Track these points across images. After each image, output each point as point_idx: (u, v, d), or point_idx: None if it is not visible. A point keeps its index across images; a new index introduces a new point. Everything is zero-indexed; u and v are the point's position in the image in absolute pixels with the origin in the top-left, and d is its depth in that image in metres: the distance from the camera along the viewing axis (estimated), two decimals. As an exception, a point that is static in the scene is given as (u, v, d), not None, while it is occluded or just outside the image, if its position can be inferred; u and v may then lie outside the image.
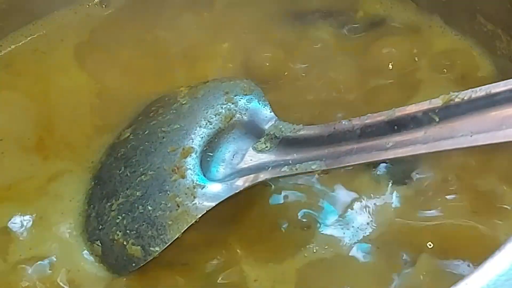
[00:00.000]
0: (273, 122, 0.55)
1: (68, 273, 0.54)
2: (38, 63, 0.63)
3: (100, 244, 0.54)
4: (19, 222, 0.56)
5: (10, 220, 0.56)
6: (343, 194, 0.55)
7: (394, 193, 0.55)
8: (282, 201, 0.56)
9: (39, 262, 0.54)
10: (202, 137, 0.55)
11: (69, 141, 0.59)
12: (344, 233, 0.54)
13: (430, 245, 0.52)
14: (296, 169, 0.52)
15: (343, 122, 0.51)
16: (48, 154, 0.59)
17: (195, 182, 0.53)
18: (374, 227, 0.54)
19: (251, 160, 0.54)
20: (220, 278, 0.53)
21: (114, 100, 0.61)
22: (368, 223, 0.54)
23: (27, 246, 0.55)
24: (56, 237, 0.55)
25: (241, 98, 0.57)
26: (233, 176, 0.53)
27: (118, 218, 0.53)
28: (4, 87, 0.62)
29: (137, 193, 0.54)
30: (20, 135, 0.59)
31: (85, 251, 0.54)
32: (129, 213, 0.53)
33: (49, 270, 0.54)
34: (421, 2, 0.65)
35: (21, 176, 0.58)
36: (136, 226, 0.53)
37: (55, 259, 0.54)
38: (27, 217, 0.56)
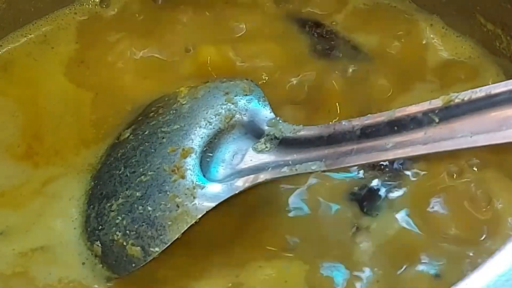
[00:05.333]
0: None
1: (67, 273, 0.54)
2: (31, 67, 0.63)
3: (99, 245, 0.54)
4: (17, 223, 0.56)
5: (7, 222, 0.56)
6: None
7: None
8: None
9: (37, 263, 0.54)
10: (202, 138, 0.55)
11: (59, 148, 0.59)
12: None
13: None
14: (296, 170, 0.52)
15: (343, 123, 0.51)
16: (38, 161, 0.58)
17: (195, 182, 0.53)
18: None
19: (251, 160, 0.54)
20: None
21: (106, 108, 0.61)
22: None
23: (25, 246, 0.55)
24: (55, 237, 0.55)
25: (241, 99, 0.57)
26: (233, 176, 0.53)
27: (118, 219, 0.53)
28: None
29: (137, 194, 0.54)
30: (9, 142, 0.59)
31: (85, 252, 0.54)
32: (128, 214, 0.53)
33: (49, 270, 0.54)
34: (421, 2, 0.65)
35: (14, 183, 0.57)
36: (135, 226, 0.53)
37: (54, 259, 0.54)
38: (25, 218, 0.56)
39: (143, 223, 0.52)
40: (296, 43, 0.64)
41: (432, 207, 0.54)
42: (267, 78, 0.61)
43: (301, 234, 0.54)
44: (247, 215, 0.55)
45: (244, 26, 0.65)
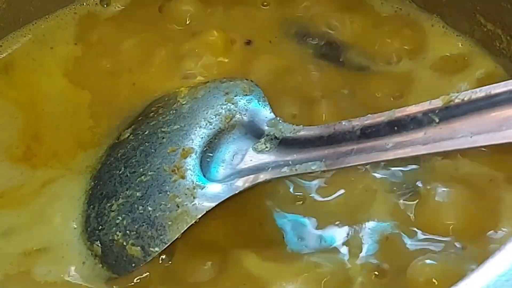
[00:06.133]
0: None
1: (68, 273, 0.54)
2: (30, 68, 0.63)
3: (99, 245, 0.54)
4: (18, 224, 0.56)
5: (7, 222, 0.56)
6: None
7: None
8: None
9: (38, 262, 0.54)
10: (202, 138, 0.55)
11: (57, 149, 0.59)
12: None
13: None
14: (296, 170, 0.52)
15: (343, 123, 0.51)
16: (36, 163, 0.58)
17: (195, 182, 0.53)
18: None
19: (251, 160, 0.54)
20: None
21: (105, 108, 0.61)
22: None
23: (26, 246, 0.55)
24: (55, 237, 0.55)
25: (241, 99, 0.57)
26: (233, 176, 0.53)
27: (118, 219, 0.53)
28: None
29: (137, 194, 0.54)
30: (8, 144, 0.59)
31: (85, 251, 0.54)
32: (129, 214, 0.53)
33: (49, 270, 0.54)
34: (421, 2, 0.65)
35: (13, 184, 0.57)
36: (136, 226, 0.53)
37: (55, 259, 0.54)
38: (25, 219, 0.56)
39: (143, 223, 0.52)
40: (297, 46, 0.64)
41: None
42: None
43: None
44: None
45: (247, 28, 0.65)
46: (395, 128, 0.49)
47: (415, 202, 0.54)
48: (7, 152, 0.59)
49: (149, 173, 0.54)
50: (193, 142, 0.55)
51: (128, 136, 0.58)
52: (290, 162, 0.53)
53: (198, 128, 0.56)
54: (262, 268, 0.52)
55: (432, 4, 0.64)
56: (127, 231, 0.53)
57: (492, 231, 0.52)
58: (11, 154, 0.59)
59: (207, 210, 0.52)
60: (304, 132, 0.53)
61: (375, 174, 0.55)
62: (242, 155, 0.55)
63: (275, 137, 0.54)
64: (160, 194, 0.53)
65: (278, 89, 0.60)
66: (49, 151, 0.59)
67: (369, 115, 0.50)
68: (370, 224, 0.53)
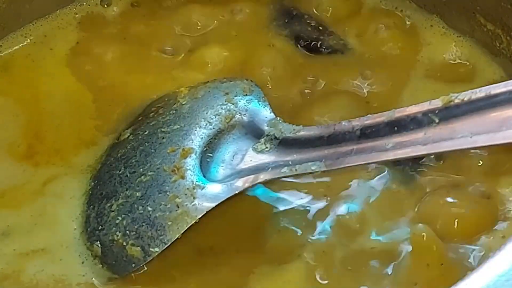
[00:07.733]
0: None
1: (67, 273, 0.53)
2: (31, 67, 0.63)
3: (99, 245, 0.54)
4: (18, 223, 0.56)
5: (8, 221, 0.56)
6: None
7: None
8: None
9: (38, 262, 0.54)
10: (202, 138, 0.55)
11: (59, 148, 0.59)
12: None
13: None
14: (296, 170, 0.52)
15: (343, 123, 0.51)
16: (38, 161, 0.58)
17: (194, 182, 0.53)
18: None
19: (251, 160, 0.54)
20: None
21: (106, 108, 0.61)
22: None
23: (26, 245, 0.55)
24: (55, 237, 0.55)
25: (241, 99, 0.57)
26: (233, 176, 0.53)
27: (118, 219, 0.53)
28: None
29: (137, 194, 0.54)
30: (10, 142, 0.59)
31: (85, 252, 0.54)
32: (128, 214, 0.53)
33: (49, 270, 0.54)
34: (421, 2, 0.65)
35: (15, 182, 0.57)
36: (135, 226, 0.53)
37: (54, 260, 0.54)
38: (25, 218, 0.56)
39: (143, 223, 0.52)
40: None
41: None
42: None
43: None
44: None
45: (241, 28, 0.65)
46: (395, 128, 0.49)
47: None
48: (9, 150, 0.59)
49: (149, 173, 0.54)
50: (193, 142, 0.55)
51: (128, 136, 0.58)
52: (290, 162, 0.53)
53: (198, 128, 0.56)
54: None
55: (432, 4, 0.64)
56: (127, 231, 0.53)
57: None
58: (13, 152, 0.59)
59: (207, 210, 0.52)
60: (304, 132, 0.53)
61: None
62: (242, 155, 0.55)
63: (275, 137, 0.54)
64: (160, 194, 0.53)
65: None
66: (51, 148, 0.59)
67: (369, 115, 0.50)
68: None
